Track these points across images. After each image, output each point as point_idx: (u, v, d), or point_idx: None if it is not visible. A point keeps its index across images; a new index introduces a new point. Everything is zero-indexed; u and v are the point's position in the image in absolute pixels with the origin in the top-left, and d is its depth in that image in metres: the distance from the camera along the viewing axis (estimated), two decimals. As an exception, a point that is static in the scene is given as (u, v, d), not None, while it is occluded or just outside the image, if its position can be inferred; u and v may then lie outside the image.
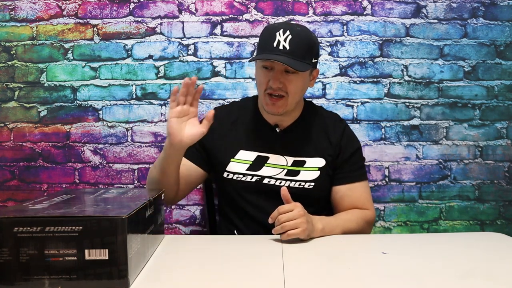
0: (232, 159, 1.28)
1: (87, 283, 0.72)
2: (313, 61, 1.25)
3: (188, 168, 1.29)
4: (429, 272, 0.85)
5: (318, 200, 1.29)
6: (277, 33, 1.19)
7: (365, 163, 1.37)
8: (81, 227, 0.72)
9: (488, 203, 1.83)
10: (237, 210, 1.31)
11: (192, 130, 1.12)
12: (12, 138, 1.83)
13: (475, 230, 1.82)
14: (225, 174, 1.29)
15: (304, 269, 0.87)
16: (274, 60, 1.17)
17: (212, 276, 0.83)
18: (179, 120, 1.11)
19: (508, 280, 0.81)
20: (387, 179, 1.82)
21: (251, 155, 1.28)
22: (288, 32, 1.18)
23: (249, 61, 1.29)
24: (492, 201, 1.83)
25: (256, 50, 1.27)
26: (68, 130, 1.83)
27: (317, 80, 1.81)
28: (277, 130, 1.31)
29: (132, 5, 1.81)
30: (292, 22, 1.25)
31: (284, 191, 1.08)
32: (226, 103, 1.80)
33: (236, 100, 1.47)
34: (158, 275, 0.84)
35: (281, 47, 1.17)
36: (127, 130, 1.83)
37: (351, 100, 1.81)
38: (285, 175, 1.26)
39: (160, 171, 1.19)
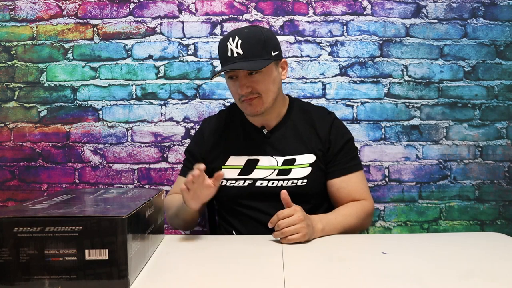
0: (223, 166, 1.30)
1: (87, 283, 0.72)
2: (273, 54, 1.24)
3: None
4: (429, 272, 0.85)
5: (313, 197, 1.29)
6: (228, 43, 1.21)
7: (365, 163, 1.36)
8: (81, 227, 0.72)
9: (488, 203, 1.83)
10: (235, 214, 1.32)
11: (205, 192, 1.12)
12: (12, 138, 1.83)
13: (475, 230, 1.82)
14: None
15: (304, 269, 0.87)
16: (230, 69, 1.20)
17: (212, 276, 0.83)
18: (191, 193, 1.11)
19: (508, 280, 0.81)
20: (387, 179, 1.82)
21: (241, 160, 1.29)
22: (237, 38, 1.20)
23: (211, 80, 1.31)
24: (492, 201, 1.83)
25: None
26: (68, 130, 1.83)
27: (317, 80, 1.81)
28: (264, 131, 1.31)
29: (132, 5, 1.81)
30: (242, 27, 1.26)
31: (284, 195, 1.08)
32: (226, 103, 1.80)
33: (224, 108, 1.49)
34: (158, 275, 0.84)
35: (235, 54, 1.19)
36: (127, 130, 1.83)
37: (351, 100, 1.81)
38: (277, 175, 1.27)
39: (182, 219, 1.26)
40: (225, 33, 1.80)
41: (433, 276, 0.83)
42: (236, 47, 1.19)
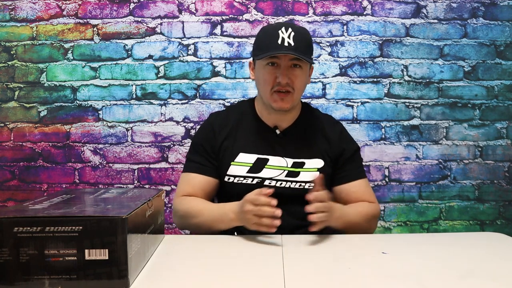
0: (232, 163, 1.28)
1: (87, 283, 0.72)
2: (312, 57, 1.29)
3: (209, 183, 1.30)
4: (429, 272, 0.85)
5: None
6: (280, 31, 1.22)
7: (365, 163, 1.37)
8: (81, 227, 0.72)
9: (488, 203, 1.83)
10: None
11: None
12: (12, 138, 1.83)
13: (475, 230, 1.82)
14: (226, 178, 1.28)
15: (304, 269, 0.87)
16: (288, 53, 1.19)
17: (212, 276, 0.83)
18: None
19: (508, 280, 0.81)
20: (387, 179, 1.82)
21: (251, 158, 1.29)
22: (290, 29, 1.22)
23: (257, 59, 1.28)
24: (492, 201, 1.83)
25: (254, 51, 1.28)
26: (68, 130, 1.83)
27: (317, 80, 1.81)
28: (277, 131, 1.31)
29: (132, 5, 1.81)
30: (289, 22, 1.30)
31: (318, 179, 1.09)
32: (226, 103, 1.80)
33: (233, 103, 1.48)
34: (158, 275, 0.84)
35: (286, 43, 1.20)
36: (127, 130, 1.83)
37: (351, 100, 1.81)
38: (286, 176, 1.27)
39: (209, 229, 1.21)
40: (225, 33, 1.80)
41: (433, 276, 0.83)
42: (289, 37, 1.21)
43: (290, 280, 0.79)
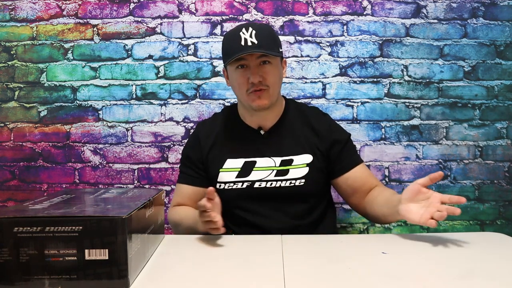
0: (220, 170, 1.29)
1: (87, 283, 0.72)
2: (280, 50, 1.28)
3: (197, 193, 1.31)
4: (429, 272, 0.85)
5: (311, 196, 1.29)
6: (241, 33, 1.21)
7: (365, 163, 1.37)
8: (81, 227, 0.72)
9: (488, 203, 1.83)
10: (233, 218, 1.31)
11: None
12: (12, 138, 1.83)
13: (475, 230, 1.82)
14: (217, 186, 1.29)
15: (304, 269, 0.87)
16: (252, 52, 1.19)
17: (212, 276, 0.83)
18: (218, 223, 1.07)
19: (508, 280, 0.81)
20: (387, 179, 1.82)
21: (238, 162, 1.29)
22: (250, 29, 1.21)
23: (225, 65, 1.29)
24: (492, 201, 1.83)
25: (223, 58, 1.28)
26: (68, 130, 1.83)
27: (317, 80, 1.81)
28: (261, 132, 1.31)
29: (132, 5, 1.81)
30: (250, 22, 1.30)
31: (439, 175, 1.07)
32: (226, 103, 1.80)
33: (218, 112, 1.49)
34: (158, 275, 0.84)
35: (249, 43, 1.20)
36: (127, 130, 1.83)
37: (351, 100, 1.81)
38: (275, 176, 1.27)
39: (189, 232, 1.20)
40: (225, 33, 1.80)
41: (433, 276, 0.83)
42: (251, 36, 1.20)
43: (290, 280, 0.79)
